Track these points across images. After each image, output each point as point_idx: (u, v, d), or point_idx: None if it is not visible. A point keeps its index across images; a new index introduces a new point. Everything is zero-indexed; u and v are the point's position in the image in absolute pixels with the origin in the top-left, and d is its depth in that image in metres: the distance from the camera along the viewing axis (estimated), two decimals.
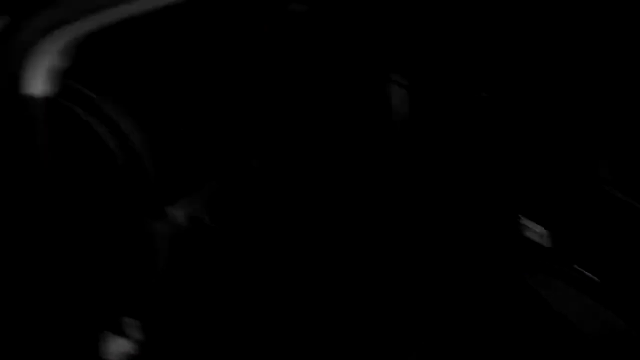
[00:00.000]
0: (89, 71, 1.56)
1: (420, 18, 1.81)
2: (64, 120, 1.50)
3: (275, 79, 1.83)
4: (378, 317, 1.80)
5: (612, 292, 1.64)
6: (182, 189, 1.66)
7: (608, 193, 1.68)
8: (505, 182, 1.83)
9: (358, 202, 1.87)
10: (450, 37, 1.81)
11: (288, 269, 1.80)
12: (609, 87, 1.70)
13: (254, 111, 1.79)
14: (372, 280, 1.85)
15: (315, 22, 1.86)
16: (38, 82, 1.43)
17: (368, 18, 1.84)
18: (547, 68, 1.75)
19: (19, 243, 1.49)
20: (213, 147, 1.73)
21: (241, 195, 1.77)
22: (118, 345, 1.68)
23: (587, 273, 1.68)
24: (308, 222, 1.84)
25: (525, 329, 1.69)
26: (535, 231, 1.78)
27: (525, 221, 1.79)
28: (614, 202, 1.67)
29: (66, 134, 1.50)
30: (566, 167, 1.75)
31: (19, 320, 1.54)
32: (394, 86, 1.85)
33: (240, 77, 1.79)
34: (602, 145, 1.73)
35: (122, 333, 1.68)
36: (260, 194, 1.80)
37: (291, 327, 1.77)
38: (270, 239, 1.80)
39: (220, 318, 1.74)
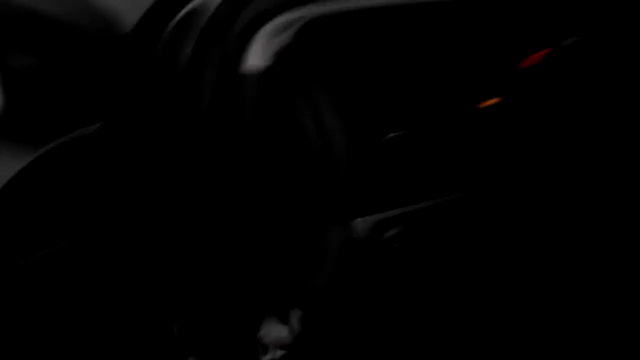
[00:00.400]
0: (309, 57, 1.50)
1: None
2: (272, 104, 1.48)
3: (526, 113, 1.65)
4: None
5: None
6: (378, 205, 1.56)
7: None
8: None
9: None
10: None
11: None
12: None
13: (484, 145, 1.62)
14: None
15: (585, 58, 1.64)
16: (258, 62, 1.43)
17: None
18: None
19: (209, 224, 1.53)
20: (425, 171, 1.59)
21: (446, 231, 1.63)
22: (277, 331, 1.69)
23: None
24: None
25: None
26: None
27: None
28: None
29: (271, 118, 1.48)
30: None
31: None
32: None
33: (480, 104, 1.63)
34: None
35: (285, 321, 1.68)
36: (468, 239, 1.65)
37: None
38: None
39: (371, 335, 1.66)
